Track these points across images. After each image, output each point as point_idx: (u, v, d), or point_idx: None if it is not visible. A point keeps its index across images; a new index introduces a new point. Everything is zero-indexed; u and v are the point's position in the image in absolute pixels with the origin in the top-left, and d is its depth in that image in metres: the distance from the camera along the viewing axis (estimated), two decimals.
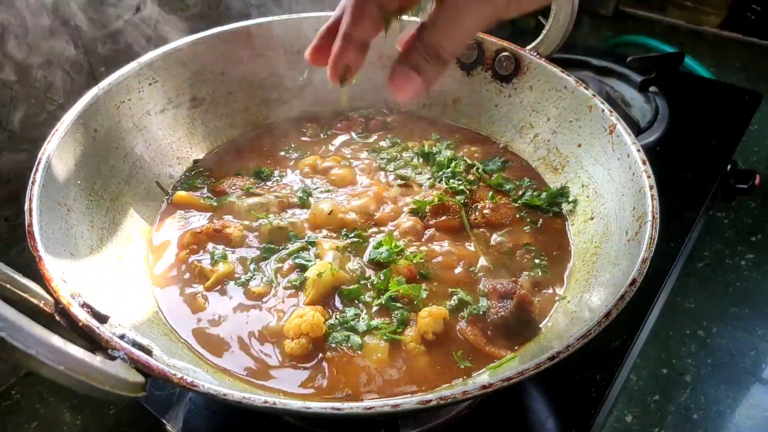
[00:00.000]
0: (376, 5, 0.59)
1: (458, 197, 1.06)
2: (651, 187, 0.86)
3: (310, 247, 0.97)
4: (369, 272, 0.93)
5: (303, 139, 1.23)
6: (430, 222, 1.02)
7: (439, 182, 1.10)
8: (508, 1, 0.55)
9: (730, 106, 1.71)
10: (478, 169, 1.13)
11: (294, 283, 0.91)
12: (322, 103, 1.28)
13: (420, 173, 1.14)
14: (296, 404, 0.58)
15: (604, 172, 1.00)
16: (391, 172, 1.14)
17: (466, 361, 0.81)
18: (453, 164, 1.13)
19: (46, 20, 0.98)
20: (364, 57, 0.63)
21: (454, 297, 0.90)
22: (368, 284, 0.91)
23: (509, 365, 0.80)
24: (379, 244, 0.96)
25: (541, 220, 1.05)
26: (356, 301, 0.88)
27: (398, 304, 0.87)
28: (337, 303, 0.88)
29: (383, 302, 0.87)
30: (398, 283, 0.88)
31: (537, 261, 0.97)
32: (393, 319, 0.85)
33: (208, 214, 1.03)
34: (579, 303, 0.86)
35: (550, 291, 0.93)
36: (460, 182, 1.09)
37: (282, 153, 1.19)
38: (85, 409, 1.08)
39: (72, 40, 1.03)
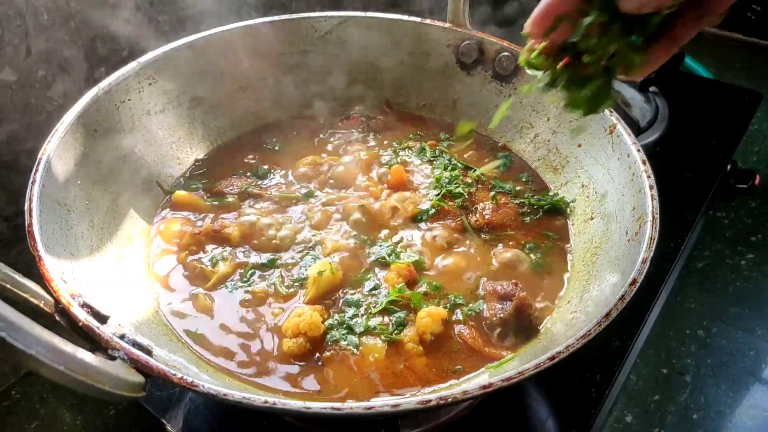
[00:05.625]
0: None
1: (457, 200, 1.06)
2: (651, 187, 0.86)
3: (314, 248, 0.97)
4: (372, 272, 0.93)
5: (303, 138, 1.23)
6: (432, 225, 1.02)
7: (437, 186, 1.09)
8: None
9: (730, 106, 1.71)
10: (475, 171, 1.13)
11: (295, 282, 0.91)
12: (322, 103, 1.28)
13: (419, 174, 1.14)
14: (296, 404, 0.59)
15: (604, 172, 1.00)
16: (390, 171, 1.14)
17: (465, 363, 0.81)
18: (451, 167, 1.13)
19: (46, 18, 0.98)
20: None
21: (454, 298, 0.90)
22: (369, 283, 0.91)
23: (509, 365, 0.80)
24: (385, 248, 0.96)
25: (541, 220, 1.05)
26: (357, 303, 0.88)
27: (396, 308, 0.87)
28: (337, 302, 0.88)
29: (383, 306, 0.87)
30: (400, 290, 0.88)
31: (537, 261, 0.97)
32: (390, 322, 0.85)
33: (208, 215, 1.03)
34: (579, 303, 0.86)
35: (550, 292, 0.93)
36: (458, 185, 1.09)
37: (282, 152, 1.19)
38: (85, 409, 1.08)
39: (72, 40, 1.03)
